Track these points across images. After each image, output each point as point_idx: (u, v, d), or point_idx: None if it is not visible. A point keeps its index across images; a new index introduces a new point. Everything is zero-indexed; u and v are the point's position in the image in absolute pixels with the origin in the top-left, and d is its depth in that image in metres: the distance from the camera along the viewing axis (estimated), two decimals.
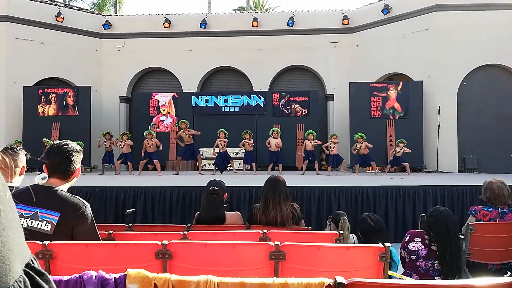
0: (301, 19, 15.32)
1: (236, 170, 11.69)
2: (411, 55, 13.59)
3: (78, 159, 2.42)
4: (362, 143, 11.36)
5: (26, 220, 2.21)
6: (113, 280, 1.34)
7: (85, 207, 2.31)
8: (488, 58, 12.90)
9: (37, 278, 0.58)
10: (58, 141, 2.50)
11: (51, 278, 0.60)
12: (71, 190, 2.46)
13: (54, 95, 14.07)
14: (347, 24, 15.09)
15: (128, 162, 11.67)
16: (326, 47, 15.33)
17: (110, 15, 15.99)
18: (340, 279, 1.29)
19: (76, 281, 1.33)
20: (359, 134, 11.55)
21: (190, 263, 2.03)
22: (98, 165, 12.84)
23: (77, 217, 2.25)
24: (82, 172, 9.53)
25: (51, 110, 14.06)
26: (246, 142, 11.52)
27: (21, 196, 2.31)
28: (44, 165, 2.42)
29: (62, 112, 14.05)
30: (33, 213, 2.22)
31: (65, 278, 1.36)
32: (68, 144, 2.42)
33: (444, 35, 13.01)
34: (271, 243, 2.11)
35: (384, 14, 14.17)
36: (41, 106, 14.04)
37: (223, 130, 11.58)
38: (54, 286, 0.61)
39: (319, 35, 15.32)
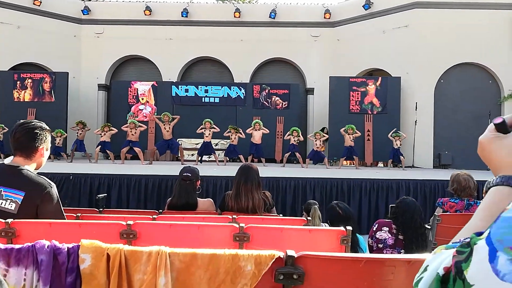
0: (283, 12, 15.32)
1: (219, 161, 11.67)
2: (390, 51, 13.75)
3: (42, 138, 2.37)
4: (352, 134, 11.48)
5: None
6: (66, 249, 1.34)
7: (51, 187, 2.29)
8: (465, 57, 13.15)
9: None
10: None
11: None
12: (43, 175, 2.42)
13: (30, 80, 13.78)
14: (329, 18, 15.17)
15: (108, 151, 11.53)
16: (307, 41, 15.38)
17: (90, 0, 15.69)
18: (291, 252, 1.32)
19: (28, 250, 1.33)
20: (349, 126, 11.65)
21: (155, 244, 2.04)
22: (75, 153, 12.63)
23: (42, 196, 2.23)
24: (58, 159, 9.33)
25: (26, 95, 13.78)
26: (232, 135, 11.57)
27: None
28: None
29: (38, 98, 13.78)
30: None
31: (17, 246, 1.36)
32: (32, 122, 2.39)
33: (423, 33, 13.20)
34: (236, 225, 2.13)
35: (365, 10, 14.29)
36: (17, 91, 13.74)
37: (209, 120, 11.53)
38: None
39: (301, 28, 15.36)
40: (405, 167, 11.86)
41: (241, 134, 11.63)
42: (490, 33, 12.96)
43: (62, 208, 2.34)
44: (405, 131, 12.85)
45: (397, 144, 11.70)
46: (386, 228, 3.65)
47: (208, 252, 1.31)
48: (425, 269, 0.64)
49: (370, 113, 13.55)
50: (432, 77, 13.23)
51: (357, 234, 3.71)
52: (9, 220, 2.05)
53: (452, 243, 0.67)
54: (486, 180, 0.80)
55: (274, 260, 1.32)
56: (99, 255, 1.32)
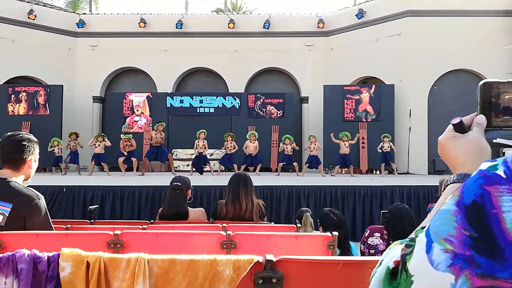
0: (277, 22, 15.43)
1: (214, 171, 11.69)
2: (384, 59, 13.84)
3: (30, 149, 2.38)
4: (347, 141, 11.54)
5: None
6: (46, 258, 1.36)
7: (39, 199, 2.29)
8: (457, 63, 13.27)
9: None
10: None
11: None
12: (36, 189, 2.42)
13: (24, 93, 13.79)
14: (322, 27, 15.28)
15: (103, 164, 11.53)
16: (301, 50, 15.48)
17: (85, 13, 15.78)
18: (270, 257, 1.33)
19: (8, 259, 1.34)
20: (344, 133, 11.73)
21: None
22: (70, 166, 12.58)
23: (30, 208, 2.24)
24: (51, 172, 9.30)
25: (21, 109, 13.78)
26: (228, 143, 11.61)
27: None
28: None
29: (32, 111, 13.78)
30: None
31: None
32: (19, 134, 2.41)
33: (416, 40, 13.32)
34: (223, 233, 2.14)
35: (358, 19, 14.41)
36: (11, 105, 13.74)
37: (204, 130, 11.59)
38: None
39: (295, 38, 15.46)
40: (400, 173, 11.89)
41: (235, 145, 11.69)
42: (481, 39, 13.08)
43: (50, 220, 2.34)
44: (399, 138, 12.91)
45: (384, 147, 11.73)
46: (377, 234, 3.66)
47: (187, 258, 1.32)
48: (380, 264, 0.66)
49: (364, 120, 13.62)
50: (426, 84, 13.33)
51: (349, 241, 3.72)
52: None
53: (408, 238, 0.69)
54: None
55: (252, 264, 1.33)
56: (78, 263, 1.34)
